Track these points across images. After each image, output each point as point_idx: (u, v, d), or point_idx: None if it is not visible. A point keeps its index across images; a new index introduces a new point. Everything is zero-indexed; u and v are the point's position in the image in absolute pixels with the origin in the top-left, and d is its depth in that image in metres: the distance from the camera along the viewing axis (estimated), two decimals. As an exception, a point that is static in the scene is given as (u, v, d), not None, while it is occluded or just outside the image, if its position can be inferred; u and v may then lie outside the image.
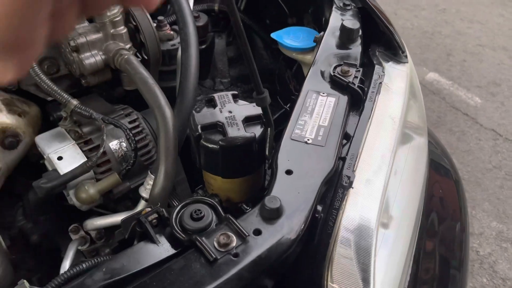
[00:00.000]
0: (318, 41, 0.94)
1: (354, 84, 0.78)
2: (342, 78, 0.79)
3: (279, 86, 1.29)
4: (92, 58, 0.84)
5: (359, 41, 0.92)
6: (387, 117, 0.78)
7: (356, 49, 0.90)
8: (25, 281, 0.54)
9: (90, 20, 0.87)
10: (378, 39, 0.97)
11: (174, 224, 0.55)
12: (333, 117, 0.72)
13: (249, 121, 0.74)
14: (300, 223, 0.56)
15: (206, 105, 0.77)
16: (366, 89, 0.81)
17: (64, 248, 0.83)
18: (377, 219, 0.62)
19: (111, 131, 0.82)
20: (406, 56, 0.96)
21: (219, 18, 1.35)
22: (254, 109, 0.75)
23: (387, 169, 0.70)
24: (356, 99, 0.79)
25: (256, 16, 1.35)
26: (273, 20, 1.33)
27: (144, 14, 0.90)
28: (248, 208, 0.64)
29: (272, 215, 0.56)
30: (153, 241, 0.55)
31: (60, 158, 0.78)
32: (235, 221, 0.55)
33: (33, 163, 0.88)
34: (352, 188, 0.64)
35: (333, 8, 0.99)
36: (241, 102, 0.78)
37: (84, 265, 0.59)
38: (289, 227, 0.56)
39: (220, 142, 0.70)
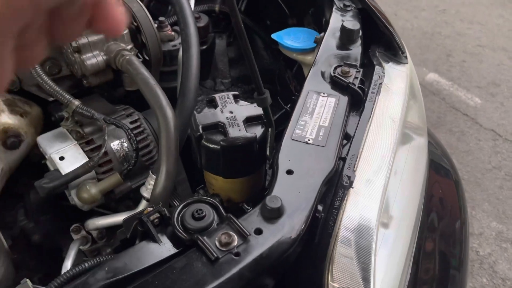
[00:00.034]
0: (318, 42, 0.94)
1: (355, 85, 0.78)
2: (343, 78, 0.79)
3: (279, 86, 1.29)
4: (93, 59, 0.84)
5: (359, 42, 0.92)
6: (387, 118, 0.79)
7: (356, 50, 0.90)
8: (28, 280, 0.54)
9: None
10: (378, 40, 0.97)
11: (176, 224, 0.56)
12: (334, 118, 0.73)
13: (250, 121, 0.74)
14: (301, 223, 0.57)
15: (207, 105, 0.78)
16: (366, 89, 0.81)
17: (65, 248, 0.83)
18: (377, 218, 0.62)
19: (113, 131, 0.83)
20: (406, 57, 0.96)
21: (220, 19, 1.36)
22: (255, 110, 0.76)
23: (387, 169, 0.70)
24: (357, 100, 0.79)
25: (257, 17, 1.36)
26: (273, 21, 1.33)
27: (145, 15, 0.90)
28: (249, 208, 0.64)
29: (273, 215, 0.56)
30: (155, 240, 0.56)
31: (62, 158, 0.78)
32: (236, 220, 0.55)
33: (35, 163, 0.88)
34: (353, 188, 0.64)
35: (334, 9, 1.00)
36: (242, 102, 0.78)
37: (86, 265, 0.60)
38: (290, 226, 0.56)
39: (221, 142, 0.70)
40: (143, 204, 0.77)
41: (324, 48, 0.89)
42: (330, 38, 0.92)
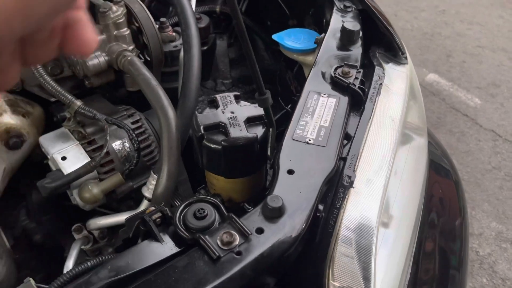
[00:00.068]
0: (319, 43, 0.94)
1: (355, 85, 0.79)
2: (343, 79, 0.80)
3: (280, 87, 1.29)
4: (95, 60, 0.85)
5: (359, 42, 0.92)
6: (387, 118, 0.79)
7: (356, 50, 0.90)
8: (31, 279, 0.55)
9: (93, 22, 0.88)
10: (378, 41, 0.98)
11: (178, 223, 0.56)
12: (334, 118, 0.73)
13: (251, 121, 0.75)
14: (302, 222, 0.57)
15: (208, 105, 0.78)
16: (366, 90, 0.81)
17: (67, 248, 0.84)
18: (377, 218, 0.63)
19: (114, 131, 0.83)
20: (406, 58, 0.97)
21: (221, 19, 1.36)
22: (256, 110, 0.76)
23: (388, 169, 0.70)
24: (357, 100, 0.79)
25: (257, 18, 1.36)
26: (274, 22, 1.34)
27: (147, 16, 0.90)
28: (250, 207, 0.65)
29: (274, 214, 0.57)
30: (157, 239, 0.56)
31: (64, 158, 0.79)
32: (237, 220, 0.55)
33: (37, 163, 0.88)
34: (353, 187, 0.64)
35: (334, 10, 1.00)
36: (243, 103, 0.78)
37: (88, 264, 0.60)
38: (291, 226, 0.56)
39: (222, 142, 0.71)
40: (144, 204, 0.78)
41: (324, 49, 0.89)
42: (331, 39, 0.93)
